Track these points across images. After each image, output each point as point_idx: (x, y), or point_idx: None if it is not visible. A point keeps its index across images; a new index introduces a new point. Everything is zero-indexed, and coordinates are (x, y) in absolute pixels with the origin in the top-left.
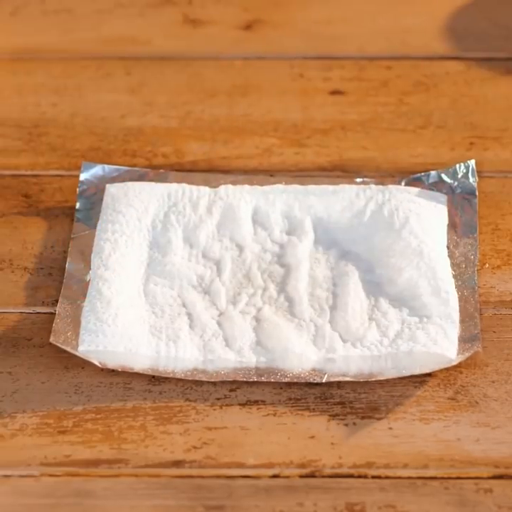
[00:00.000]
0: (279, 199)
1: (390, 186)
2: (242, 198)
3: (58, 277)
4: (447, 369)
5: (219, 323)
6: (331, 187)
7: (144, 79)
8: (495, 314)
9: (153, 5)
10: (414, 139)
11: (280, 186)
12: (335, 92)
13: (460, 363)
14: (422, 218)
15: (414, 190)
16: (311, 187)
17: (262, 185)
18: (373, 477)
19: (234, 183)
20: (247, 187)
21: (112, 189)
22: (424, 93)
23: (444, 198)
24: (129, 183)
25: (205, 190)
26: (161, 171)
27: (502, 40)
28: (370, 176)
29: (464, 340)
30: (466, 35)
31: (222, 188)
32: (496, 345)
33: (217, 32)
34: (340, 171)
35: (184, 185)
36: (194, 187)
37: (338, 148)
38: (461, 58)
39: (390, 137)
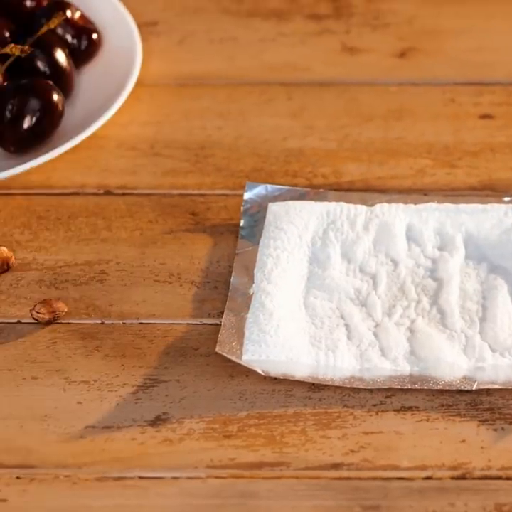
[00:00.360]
0: (431, 217)
1: None
2: (397, 215)
3: (223, 290)
4: None
5: (375, 334)
6: (480, 206)
7: (304, 103)
8: None
9: (313, 34)
10: None
11: (433, 204)
12: (484, 116)
13: None
14: None
15: None
16: (462, 205)
17: (415, 203)
18: None
19: (389, 201)
20: (401, 205)
21: (274, 207)
22: None
23: None
24: (290, 202)
25: (361, 208)
26: (321, 190)
27: None
28: None
29: None
30: None
31: (377, 207)
32: None
33: (373, 59)
34: (490, 191)
35: (342, 203)
36: (351, 205)
37: (488, 169)
38: None
39: None
